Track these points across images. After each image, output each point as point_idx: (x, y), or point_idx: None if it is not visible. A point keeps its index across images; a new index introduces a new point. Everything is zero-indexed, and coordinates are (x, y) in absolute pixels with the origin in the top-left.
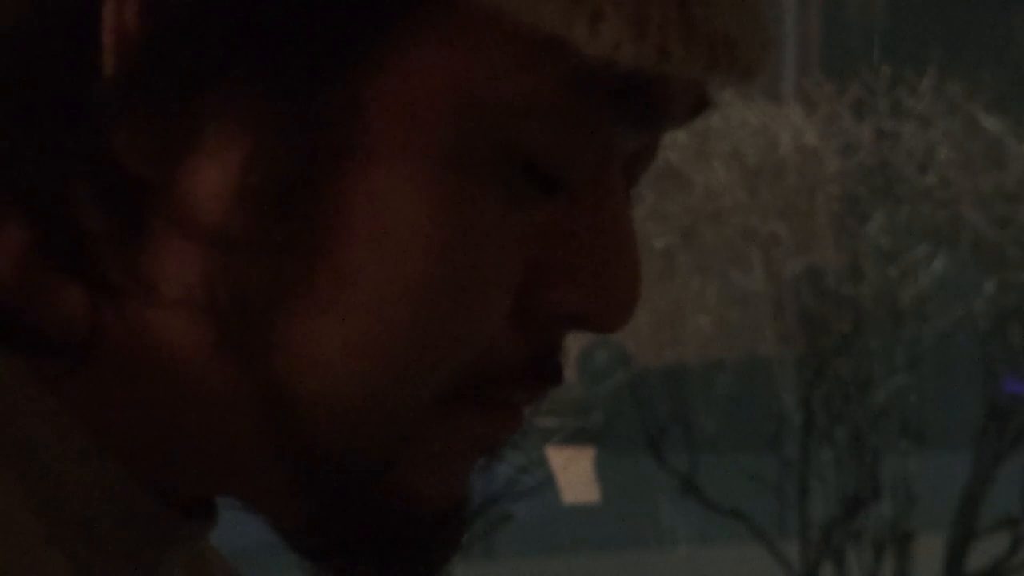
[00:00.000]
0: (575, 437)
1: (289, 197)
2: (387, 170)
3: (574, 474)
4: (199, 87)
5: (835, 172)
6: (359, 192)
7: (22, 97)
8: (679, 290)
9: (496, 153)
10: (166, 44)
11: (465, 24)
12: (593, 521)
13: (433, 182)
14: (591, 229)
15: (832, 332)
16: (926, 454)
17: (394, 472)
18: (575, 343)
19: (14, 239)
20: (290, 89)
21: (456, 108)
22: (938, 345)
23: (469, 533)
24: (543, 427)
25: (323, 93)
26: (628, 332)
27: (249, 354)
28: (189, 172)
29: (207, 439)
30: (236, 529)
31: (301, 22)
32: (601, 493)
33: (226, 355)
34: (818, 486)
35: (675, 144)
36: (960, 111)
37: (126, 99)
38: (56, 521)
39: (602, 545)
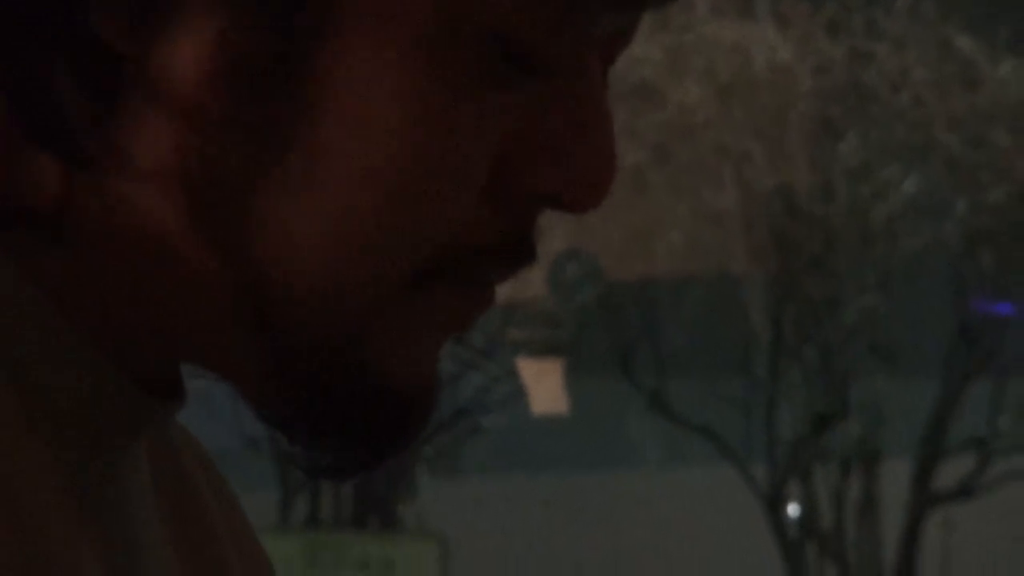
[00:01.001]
0: (544, 350)
1: (264, 75)
2: (364, 50)
3: (543, 386)
4: None
5: (808, 91)
6: (335, 71)
7: None
8: (651, 206)
9: (474, 33)
10: None
11: None
12: (561, 438)
13: (410, 62)
14: (566, 108)
15: (803, 251)
16: (894, 374)
17: (365, 349)
18: (546, 255)
19: None
20: None
21: None
22: (908, 266)
23: (438, 446)
24: (513, 339)
25: None
26: (599, 247)
27: (222, 230)
28: (166, 47)
29: (178, 315)
30: (213, 432)
31: None
32: (569, 409)
33: (199, 231)
34: (786, 405)
35: (648, 61)
36: (935, 32)
37: None
38: (25, 400)
39: (569, 462)
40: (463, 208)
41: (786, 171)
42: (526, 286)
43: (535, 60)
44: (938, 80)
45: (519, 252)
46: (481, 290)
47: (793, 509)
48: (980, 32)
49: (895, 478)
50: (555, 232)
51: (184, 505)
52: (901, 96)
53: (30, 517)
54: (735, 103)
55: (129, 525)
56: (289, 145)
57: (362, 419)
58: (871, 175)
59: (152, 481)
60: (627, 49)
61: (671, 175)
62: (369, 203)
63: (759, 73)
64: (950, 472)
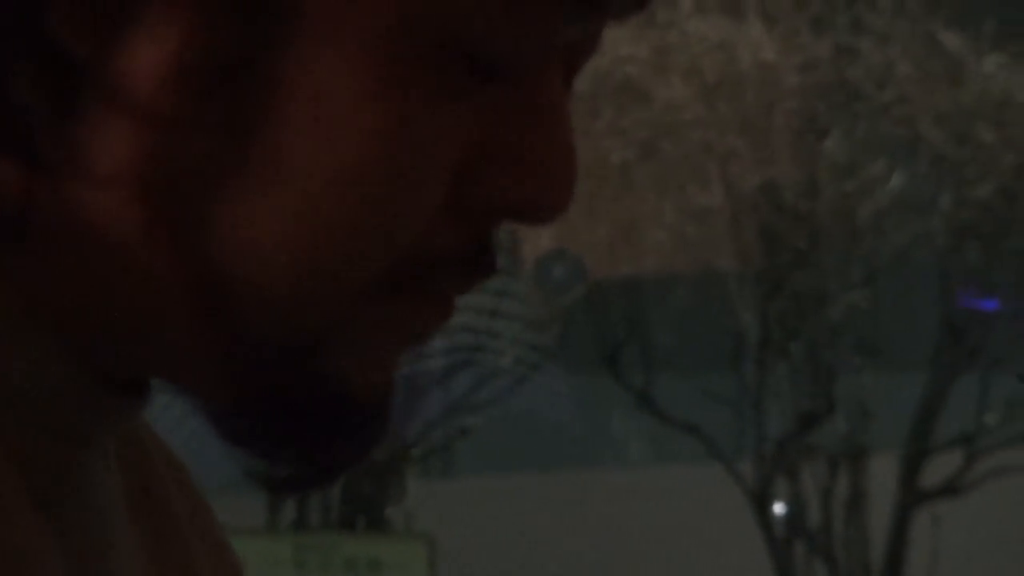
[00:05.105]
0: (531, 350)
1: (226, 77)
2: (325, 53)
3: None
4: None
5: (794, 88)
6: (296, 74)
7: None
8: (637, 204)
9: (436, 39)
10: None
11: None
12: (548, 437)
13: (370, 66)
14: (527, 119)
15: (789, 248)
16: (881, 370)
17: (325, 357)
18: (532, 255)
19: None
20: None
21: None
22: (895, 261)
23: (425, 447)
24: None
25: None
26: (586, 246)
27: (182, 234)
28: (127, 50)
29: (138, 318)
30: (198, 430)
31: None
32: (557, 408)
33: (159, 234)
34: (774, 402)
35: (634, 59)
36: (919, 27)
37: None
38: None
39: (557, 461)
40: (423, 216)
41: (772, 168)
42: (512, 285)
43: (495, 68)
44: (923, 76)
45: (479, 264)
46: (441, 301)
47: (780, 507)
48: (965, 27)
49: (883, 475)
50: (540, 231)
51: (153, 506)
52: (886, 92)
53: None
54: (720, 100)
55: (97, 522)
56: (249, 149)
57: (320, 429)
58: (857, 171)
59: (122, 481)
60: (612, 47)
61: (657, 173)
62: (328, 208)
63: (744, 70)
64: (938, 468)
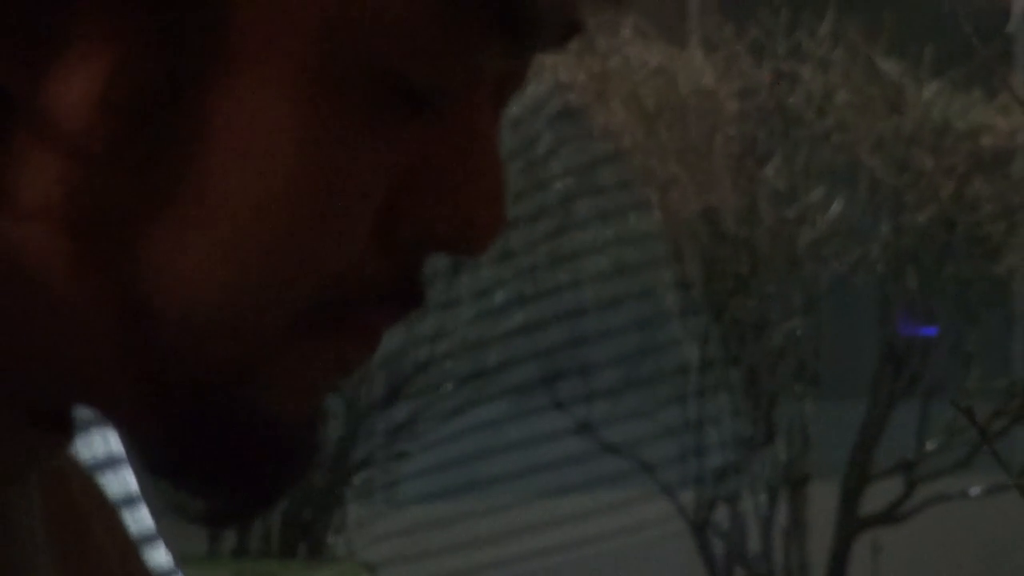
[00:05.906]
0: (470, 379)
1: (153, 110)
2: (252, 84)
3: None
4: None
5: (733, 114)
6: (223, 106)
7: None
8: (577, 231)
9: (363, 70)
10: None
11: None
12: (489, 466)
13: (297, 97)
14: (456, 150)
15: (729, 274)
16: (821, 397)
17: (249, 389)
18: (474, 282)
19: None
20: (154, 0)
21: (323, 22)
22: (834, 288)
23: (368, 475)
24: (439, 368)
25: (187, 5)
26: (526, 272)
27: (108, 266)
28: (53, 83)
29: (65, 351)
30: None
31: None
32: (498, 437)
33: (84, 267)
34: (714, 430)
35: (574, 85)
36: (859, 54)
37: None
38: None
39: (498, 489)
40: (351, 248)
41: (712, 194)
42: (454, 314)
43: (426, 99)
44: (863, 103)
45: (407, 297)
46: (368, 334)
47: (721, 535)
48: (905, 55)
49: (823, 502)
50: (482, 258)
51: (76, 542)
52: (826, 119)
53: None
54: (660, 127)
55: (17, 561)
56: (177, 182)
57: (247, 461)
58: (797, 198)
59: (44, 519)
60: (552, 73)
61: (596, 199)
62: (256, 240)
63: (684, 97)
64: (878, 495)
